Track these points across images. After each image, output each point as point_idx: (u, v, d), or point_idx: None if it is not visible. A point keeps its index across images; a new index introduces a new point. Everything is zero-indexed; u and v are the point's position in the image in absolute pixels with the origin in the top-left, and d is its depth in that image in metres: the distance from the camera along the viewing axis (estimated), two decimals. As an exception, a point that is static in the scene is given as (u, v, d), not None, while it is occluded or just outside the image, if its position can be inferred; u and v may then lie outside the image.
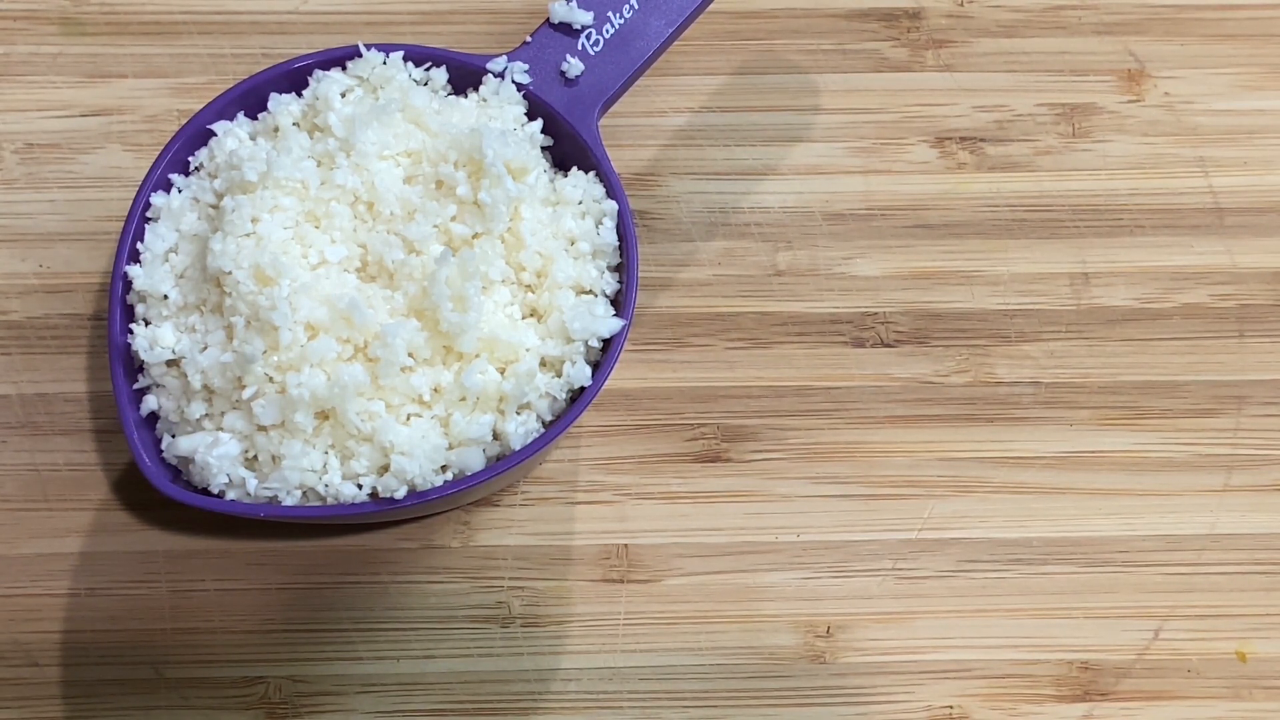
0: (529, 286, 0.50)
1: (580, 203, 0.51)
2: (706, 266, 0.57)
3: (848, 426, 0.55)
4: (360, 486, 0.47)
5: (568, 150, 0.53)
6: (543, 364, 0.49)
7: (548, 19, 0.53)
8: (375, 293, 0.48)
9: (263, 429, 0.47)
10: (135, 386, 0.49)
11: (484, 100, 0.53)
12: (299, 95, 0.52)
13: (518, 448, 0.48)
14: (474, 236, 0.49)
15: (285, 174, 0.48)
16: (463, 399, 0.48)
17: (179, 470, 0.48)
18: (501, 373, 0.48)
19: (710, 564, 0.53)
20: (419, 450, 0.47)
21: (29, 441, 0.54)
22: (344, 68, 0.52)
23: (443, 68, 0.53)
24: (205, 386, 0.48)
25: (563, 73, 0.53)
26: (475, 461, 0.47)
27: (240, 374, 0.47)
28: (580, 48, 0.53)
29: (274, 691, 0.51)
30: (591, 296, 0.50)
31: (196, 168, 0.51)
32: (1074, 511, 0.54)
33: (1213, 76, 0.61)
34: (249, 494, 0.47)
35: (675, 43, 0.54)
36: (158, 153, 0.51)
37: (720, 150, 0.59)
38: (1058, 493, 0.54)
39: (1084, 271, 0.58)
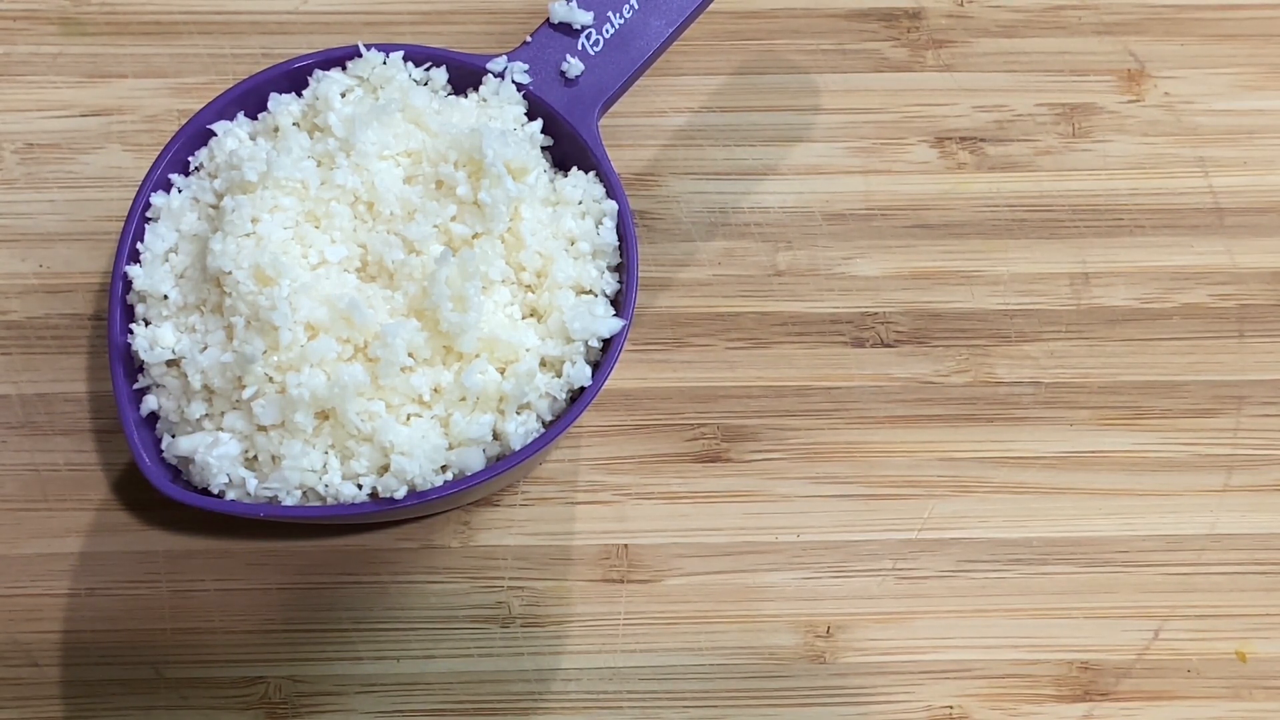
0: (529, 286, 0.50)
1: (580, 203, 0.51)
2: (706, 266, 0.57)
3: (848, 426, 0.55)
4: (360, 486, 0.47)
5: (568, 150, 0.53)
6: (543, 364, 0.49)
7: (548, 19, 0.53)
8: (375, 293, 0.48)
9: (263, 429, 0.47)
10: (135, 386, 0.49)
11: (484, 100, 0.53)
12: (299, 95, 0.52)
13: (518, 448, 0.48)
14: (474, 236, 0.49)
15: (285, 174, 0.48)
16: (463, 399, 0.48)
17: (179, 470, 0.48)
18: (501, 373, 0.48)
19: (710, 564, 0.53)
20: (419, 450, 0.47)
21: (29, 441, 0.54)
22: (344, 68, 0.52)
23: (443, 68, 0.53)
24: (205, 386, 0.48)
25: (563, 73, 0.53)
26: (475, 461, 0.47)
27: (240, 374, 0.47)
28: (580, 48, 0.53)
29: (274, 691, 0.51)
30: (591, 296, 0.50)
31: (196, 168, 0.51)
32: (1074, 511, 0.54)
33: (1213, 76, 0.61)
34: (249, 494, 0.47)
35: (675, 43, 0.54)
36: (158, 153, 0.51)
37: (720, 150, 0.59)
38: (1057, 493, 0.54)
39: (1084, 271, 0.58)
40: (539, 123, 0.53)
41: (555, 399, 0.49)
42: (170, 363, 0.48)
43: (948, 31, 0.62)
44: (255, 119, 0.52)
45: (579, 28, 0.53)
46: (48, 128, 0.58)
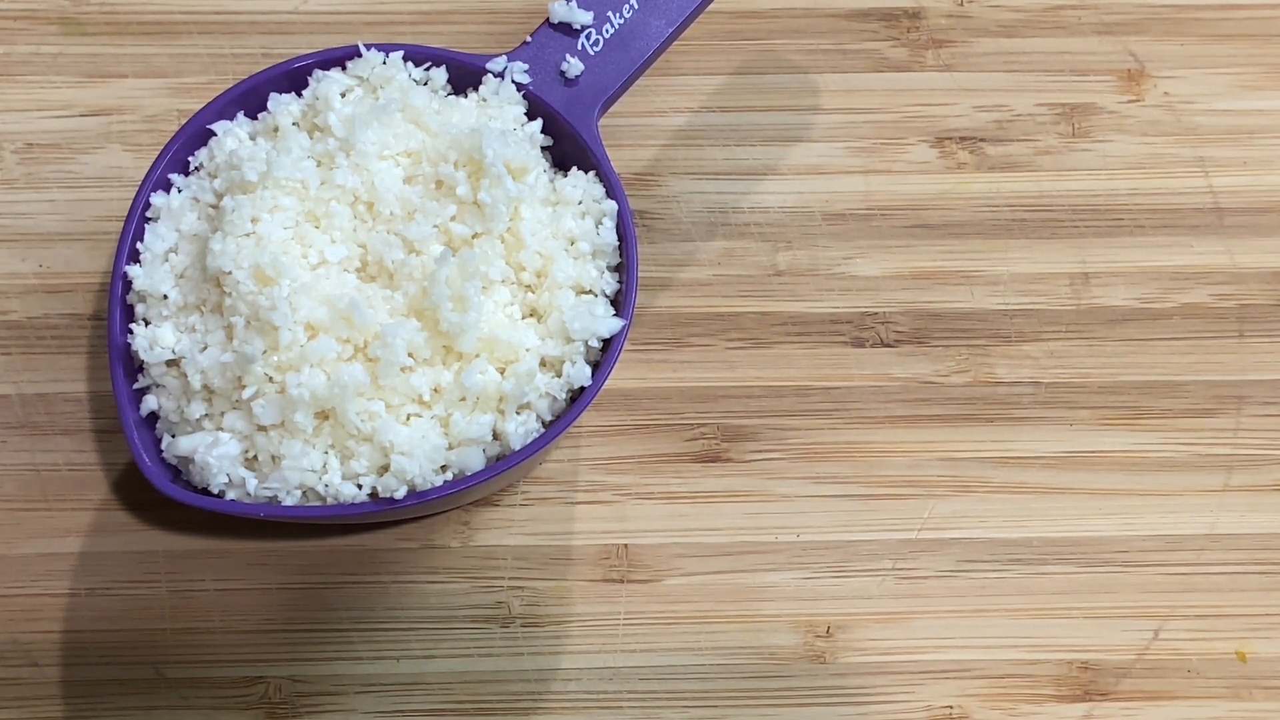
0: (529, 286, 0.50)
1: (580, 203, 0.51)
2: (706, 266, 0.57)
3: (848, 426, 0.55)
4: (360, 486, 0.47)
5: (568, 150, 0.53)
6: (543, 364, 0.49)
7: (548, 19, 0.53)
8: (375, 293, 0.48)
9: (263, 429, 0.47)
10: (135, 386, 0.49)
11: (484, 100, 0.53)
12: (299, 95, 0.52)
13: (518, 448, 0.48)
14: (474, 236, 0.49)
15: (285, 174, 0.48)
16: (463, 399, 0.48)
17: (179, 470, 0.48)
18: (501, 373, 0.48)
19: (710, 564, 0.53)
20: (419, 450, 0.47)
21: (29, 441, 0.54)
22: (344, 68, 0.52)
23: (443, 68, 0.53)
24: (205, 386, 0.48)
25: (563, 73, 0.53)
26: (475, 461, 0.47)
27: (240, 374, 0.47)
28: (580, 48, 0.53)
29: (274, 691, 0.51)
30: (591, 296, 0.50)
31: (196, 168, 0.51)
32: (1074, 511, 0.54)
33: (1213, 76, 0.61)
34: (249, 494, 0.47)
35: (675, 43, 0.54)
36: (158, 153, 0.51)
37: (720, 150, 0.59)
38: (1057, 493, 0.54)
39: (1084, 271, 0.58)
40: (539, 123, 0.53)
41: (555, 399, 0.49)
42: (170, 363, 0.48)
43: (948, 31, 0.62)
44: (255, 119, 0.52)
45: (579, 28, 0.53)
46: (48, 128, 0.58)
